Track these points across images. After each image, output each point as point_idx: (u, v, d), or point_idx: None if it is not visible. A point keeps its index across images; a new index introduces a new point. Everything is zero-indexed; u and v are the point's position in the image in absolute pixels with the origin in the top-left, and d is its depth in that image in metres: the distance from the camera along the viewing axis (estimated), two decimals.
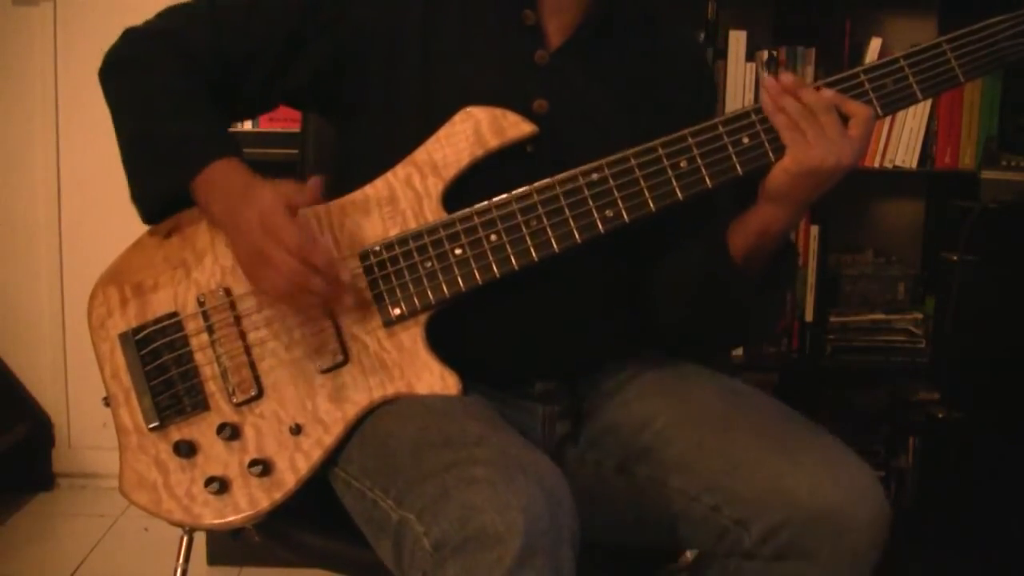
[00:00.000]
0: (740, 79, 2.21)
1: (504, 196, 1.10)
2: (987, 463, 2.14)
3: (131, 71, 1.16)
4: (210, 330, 1.12)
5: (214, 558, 2.18)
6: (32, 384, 2.59)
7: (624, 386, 1.20)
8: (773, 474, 1.02)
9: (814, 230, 2.23)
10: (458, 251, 1.10)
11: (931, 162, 2.26)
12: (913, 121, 2.23)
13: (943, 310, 2.25)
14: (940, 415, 2.30)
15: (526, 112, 1.12)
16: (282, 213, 1.03)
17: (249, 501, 1.08)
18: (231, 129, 1.20)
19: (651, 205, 1.09)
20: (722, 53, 2.21)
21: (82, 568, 2.16)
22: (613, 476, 1.14)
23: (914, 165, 2.25)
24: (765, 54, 2.23)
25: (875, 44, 2.21)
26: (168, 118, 1.12)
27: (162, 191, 1.12)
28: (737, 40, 2.22)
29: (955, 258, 2.14)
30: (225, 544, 2.15)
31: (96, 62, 1.18)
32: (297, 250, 1.01)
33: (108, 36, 1.19)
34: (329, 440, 1.09)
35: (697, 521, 1.06)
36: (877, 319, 2.31)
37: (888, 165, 2.25)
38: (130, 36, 1.18)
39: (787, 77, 1.08)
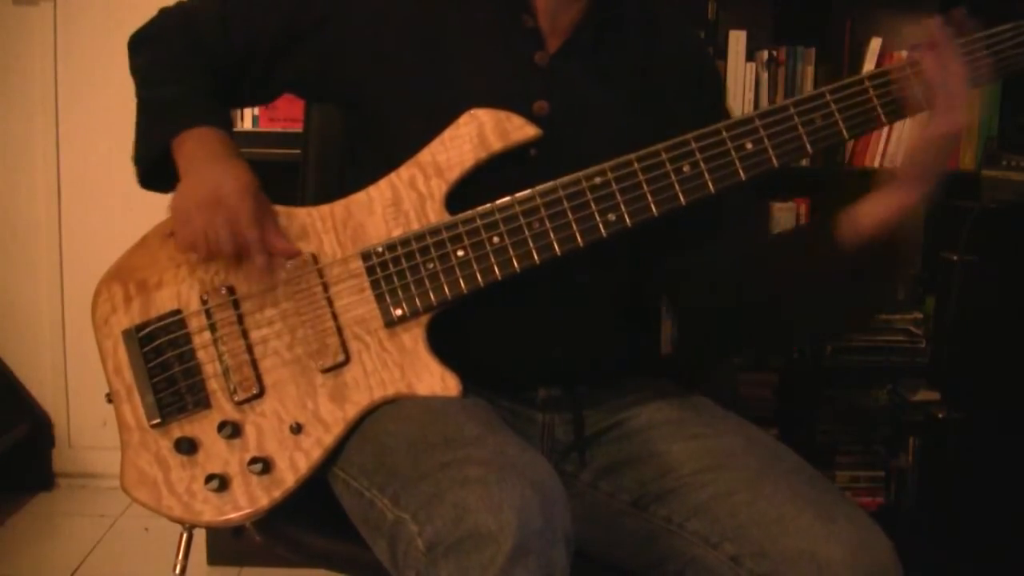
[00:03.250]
0: (740, 79, 2.21)
1: (507, 198, 1.10)
2: (987, 463, 2.14)
3: (147, 45, 1.22)
4: (212, 328, 1.12)
5: (214, 558, 2.18)
6: (32, 384, 2.59)
7: (646, 423, 1.17)
8: (808, 537, 0.98)
9: None
10: (460, 252, 1.10)
11: None
12: (913, 121, 2.23)
13: (943, 310, 2.26)
14: (940, 415, 2.30)
15: (526, 113, 1.12)
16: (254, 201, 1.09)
17: (249, 499, 1.08)
18: (238, 130, 1.22)
19: (653, 209, 1.09)
20: (722, 53, 2.21)
21: (82, 568, 2.17)
22: (627, 509, 1.13)
23: None
24: (765, 54, 2.23)
25: (875, 44, 2.22)
26: (164, 86, 1.17)
27: (151, 152, 1.16)
28: (737, 40, 2.22)
29: (955, 258, 2.14)
30: (225, 544, 2.15)
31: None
32: (245, 222, 1.07)
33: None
34: (329, 439, 1.09)
35: (710, 568, 1.04)
36: (877, 319, 2.31)
37: (888, 165, 2.25)
38: (160, 13, 1.24)
39: (940, 24, 1.05)
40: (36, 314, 2.56)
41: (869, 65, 2.22)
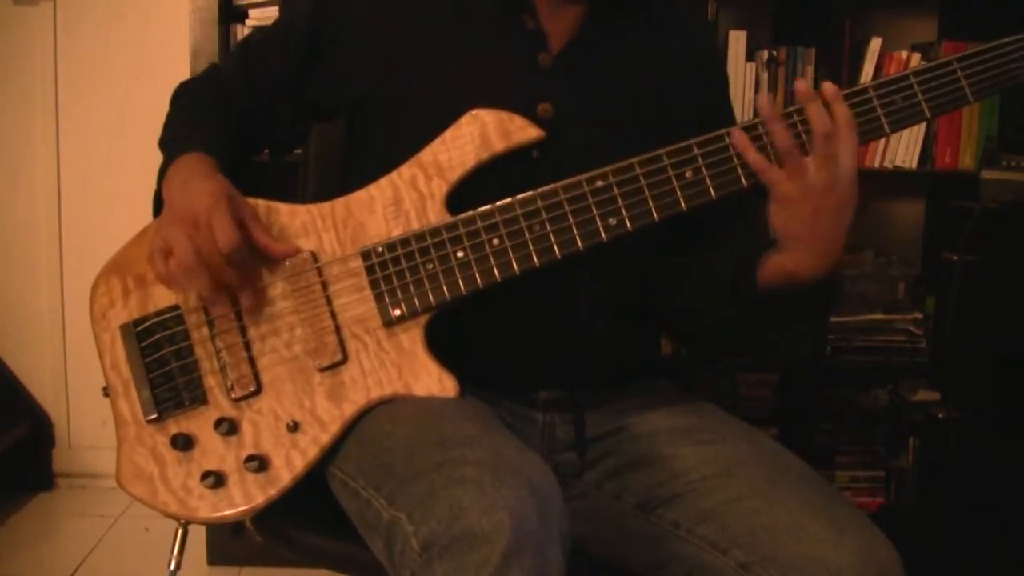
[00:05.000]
0: (740, 79, 2.21)
1: (508, 200, 1.09)
2: (987, 463, 2.14)
3: (180, 97, 1.29)
4: (211, 325, 1.12)
5: (214, 558, 2.18)
6: (32, 384, 2.59)
7: (651, 428, 1.17)
8: (817, 543, 0.98)
9: None
10: (460, 253, 1.10)
11: (931, 162, 2.26)
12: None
13: (943, 310, 2.26)
14: (940, 415, 2.31)
15: (531, 116, 1.12)
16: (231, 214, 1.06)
17: (244, 496, 1.08)
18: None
19: (654, 215, 1.09)
20: (722, 53, 2.21)
21: (82, 568, 2.17)
22: (632, 511, 1.13)
23: (914, 165, 2.25)
24: (765, 54, 2.23)
25: (875, 44, 2.21)
26: (171, 131, 1.21)
27: (155, 193, 1.16)
28: (737, 40, 2.22)
29: (955, 258, 2.14)
30: (225, 544, 2.15)
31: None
32: (226, 242, 1.03)
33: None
34: (326, 438, 1.09)
35: (718, 573, 1.04)
36: (877, 319, 2.30)
37: (888, 165, 2.25)
38: (205, 70, 1.33)
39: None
40: (36, 314, 2.56)
41: (869, 65, 2.22)
